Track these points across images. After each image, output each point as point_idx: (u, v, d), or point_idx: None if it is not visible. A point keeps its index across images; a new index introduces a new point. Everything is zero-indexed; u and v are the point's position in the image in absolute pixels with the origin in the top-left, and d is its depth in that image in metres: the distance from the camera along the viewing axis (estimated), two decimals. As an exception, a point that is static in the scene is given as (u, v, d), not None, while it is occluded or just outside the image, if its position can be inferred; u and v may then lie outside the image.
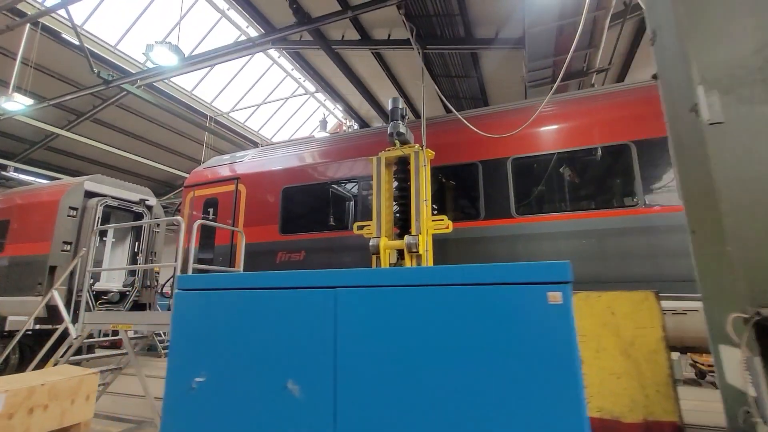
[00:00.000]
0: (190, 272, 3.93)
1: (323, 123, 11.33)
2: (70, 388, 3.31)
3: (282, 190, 6.43)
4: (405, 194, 4.72)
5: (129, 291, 7.41)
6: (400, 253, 4.50)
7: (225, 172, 7.07)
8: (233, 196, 6.73)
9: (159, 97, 11.47)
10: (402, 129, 4.72)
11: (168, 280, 7.16)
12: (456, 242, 5.12)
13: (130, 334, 4.53)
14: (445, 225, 4.43)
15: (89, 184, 7.27)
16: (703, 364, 8.14)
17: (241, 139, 14.64)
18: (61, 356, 4.30)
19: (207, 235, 6.83)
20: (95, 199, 7.15)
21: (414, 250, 4.17)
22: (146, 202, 8.07)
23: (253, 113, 14.09)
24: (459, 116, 5.38)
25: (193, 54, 9.16)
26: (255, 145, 14.99)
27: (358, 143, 6.25)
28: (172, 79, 11.40)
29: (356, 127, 13.12)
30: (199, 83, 12.25)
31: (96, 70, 8.31)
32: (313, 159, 6.41)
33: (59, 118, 11.90)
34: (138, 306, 7.60)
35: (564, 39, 5.85)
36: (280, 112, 14.78)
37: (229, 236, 6.58)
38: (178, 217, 4.11)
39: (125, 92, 10.92)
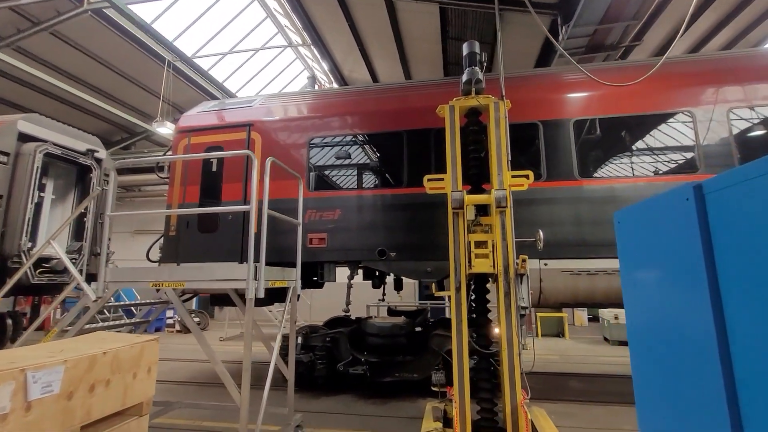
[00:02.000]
0: (264, 221, 3.24)
1: (312, 80, 10.38)
2: (132, 358, 2.54)
3: (309, 140, 5.69)
4: (479, 147, 4.40)
5: (75, 258, 6.12)
6: (479, 210, 4.21)
7: (233, 117, 6.07)
8: (245, 146, 5.81)
9: (110, 28, 9.55)
10: (481, 76, 4.35)
11: (155, 242, 6.07)
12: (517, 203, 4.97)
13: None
14: (524, 181, 4.22)
15: (24, 124, 5.77)
16: None
17: (200, 93, 12.93)
18: (70, 324, 3.34)
19: (211, 188, 5.85)
20: (32, 144, 5.72)
21: (503, 204, 3.90)
22: (95, 154, 6.68)
23: (220, 60, 12.44)
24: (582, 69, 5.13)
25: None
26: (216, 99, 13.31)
27: (404, 94, 5.73)
28: (128, 6, 9.52)
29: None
30: (161, 15, 10.42)
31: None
32: (350, 109, 5.74)
33: (-35, 38, 9.34)
34: (89, 277, 6.37)
35: (613, 7, 5.84)
36: (250, 63, 13.25)
37: (240, 192, 5.70)
38: (250, 152, 3.35)
39: (63, 15, 8.89)
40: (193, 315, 12.48)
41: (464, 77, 4.37)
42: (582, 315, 12.98)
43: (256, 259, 3.02)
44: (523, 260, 3.85)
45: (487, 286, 4.15)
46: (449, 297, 8.22)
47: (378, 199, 5.31)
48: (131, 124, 13.31)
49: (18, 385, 1.89)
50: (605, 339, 9.71)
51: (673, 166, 4.85)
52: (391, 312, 6.68)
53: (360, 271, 6.23)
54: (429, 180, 4.30)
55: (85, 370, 2.21)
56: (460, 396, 3.73)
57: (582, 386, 5.59)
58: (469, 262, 3.89)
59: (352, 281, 5.42)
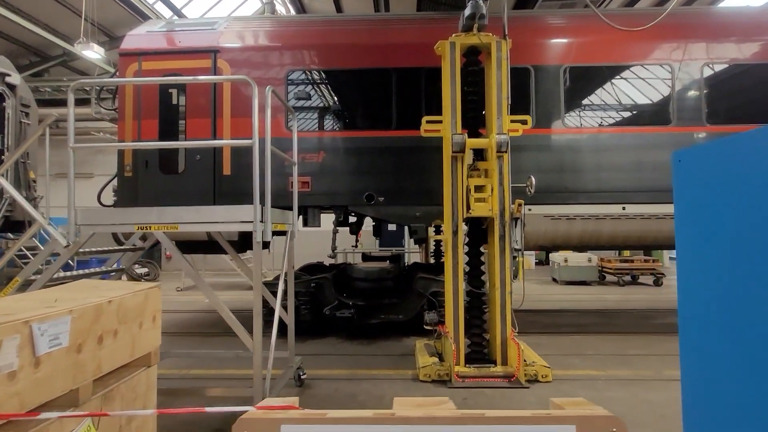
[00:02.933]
0: (268, 155, 2.92)
1: (270, 5, 9.25)
2: (137, 307, 2.28)
3: (288, 74, 5.15)
4: (477, 89, 4.27)
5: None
6: (477, 155, 4.19)
7: (194, 40, 5.26)
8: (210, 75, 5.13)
9: None
10: (485, 11, 4.10)
11: (107, 183, 5.39)
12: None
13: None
14: (520, 127, 4.23)
15: None
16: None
17: (132, 13, 11.05)
18: (35, 273, 2.89)
19: (171, 123, 5.18)
20: None
21: (504, 149, 3.90)
22: (6, 78, 5.56)
23: (157, -25, 10.55)
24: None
25: None
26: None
27: (399, 28, 5.29)
28: None
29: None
30: None
31: None
32: (336, 40, 5.21)
33: None
34: (11, 225, 5.62)
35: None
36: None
37: (209, 129, 5.12)
38: (247, 77, 2.92)
39: None
40: (138, 265, 11.64)
41: (467, 11, 4.10)
42: (530, 259, 14.15)
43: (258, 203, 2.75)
44: (519, 205, 3.96)
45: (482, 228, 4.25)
46: (421, 242, 8.38)
47: (365, 141, 5.07)
48: (44, 44, 11.15)
49: (24, 338, 1.61)
50: (554, 279, 10.75)
51: (651, 117, 5.12)
52: (366, 258, 6.73)
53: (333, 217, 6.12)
54: (427, 122, 4.15)
55: (92, 320, 1.95)
56: (455, 331, 3.93)
57: (545, 320, 6.19)
58: (467, 206, 3.93)
59: (337, 227, 5.28)
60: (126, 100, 5.16)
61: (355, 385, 3.69)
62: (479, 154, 4.20)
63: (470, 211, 3.90)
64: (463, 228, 4.01)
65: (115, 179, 5.22)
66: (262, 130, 2.84)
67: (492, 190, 3.91)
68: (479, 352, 4.05)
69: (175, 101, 5.20)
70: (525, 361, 3.76)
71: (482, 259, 4.23)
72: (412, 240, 15.05)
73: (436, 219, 5.08)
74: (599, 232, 5.04)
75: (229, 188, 5.03)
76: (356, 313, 5.07)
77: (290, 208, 3.62)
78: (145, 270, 12.20)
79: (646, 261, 10.17)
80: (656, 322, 6.21)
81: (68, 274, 3.31)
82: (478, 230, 4.19)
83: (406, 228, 15.26)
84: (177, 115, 5.20)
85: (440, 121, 4.14)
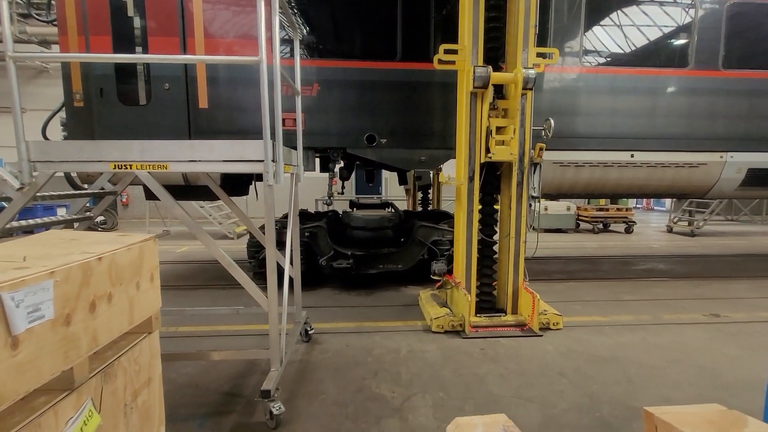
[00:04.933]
0: (277, 81, 2.36)
1: None
2: (132, 265, 1.84)
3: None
4: (500, 15, 3.76)
5: None
6: (497, 91, 3.79)
7: (150, -68, 4.20)
8: (175, -18, 4.20)
9: None
10: None
11: (53, 115, 4.53)
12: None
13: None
14: (542, 62, 3.83)
15: None
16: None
17: None
18: (-19, 222, 2.30)
19: (127, 40, 4.29)
20: None
21: (530, 86, 3.52)
22: None
23: None
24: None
25: None
26: None
27: None
28: None
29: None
30: None
31: None
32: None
33: None
34: None
35: None
36: None
37: (178, 47, 4.29)
38: None
39: None
40: (88, 213, 10.61)
41: None
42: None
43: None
44: (540, 149, 3.70)
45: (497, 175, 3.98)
46: (426, 189, 8.10)
47: (366, 74, 4.47)
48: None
49: (-9, 314, 1.17)
50: (531, 227, 10.99)
51: (667, 58, 4.86)
52: (353, 205, 6.38)
53: (317, 161, 5.65)
54: (445, 51, 3.64)
55: (80, 283, 1.50)
56: (467, 281, 3.79)
57: (536, 267, 6.28)
58: (487, 149, 3.61)
59: (334, 172, 4.82)
60: (67, 9, 4.16)
61: (366, 339, 3.52)
62: (497, 92, 3.81)
63: (490, 155, 3.58)
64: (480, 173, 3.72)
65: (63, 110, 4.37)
66: (269, 56, 2.29)
67: (514, 131, 3.59)
68: (488, 302, 3.98)
69: (131, 13, 4.27)
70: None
71: (495, 207, 4.01)
72: (386, 186, 14.80)
73: (442, 163, 4.75)
74: (605, 180, 4.95)
75: (207, 124, 4.36)
76: (354, 264, 4.81)
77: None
78: (101, 218, 11.18)
79: (619, 210, 10.57)
80: (638, 267, 6.48)
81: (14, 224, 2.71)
82: (493, 176, 3.93)
83: (383, 173, 14.93)
84: (133, 31, 4.31)
85: (456, 51, 3.66)
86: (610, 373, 2.92)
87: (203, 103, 4.38)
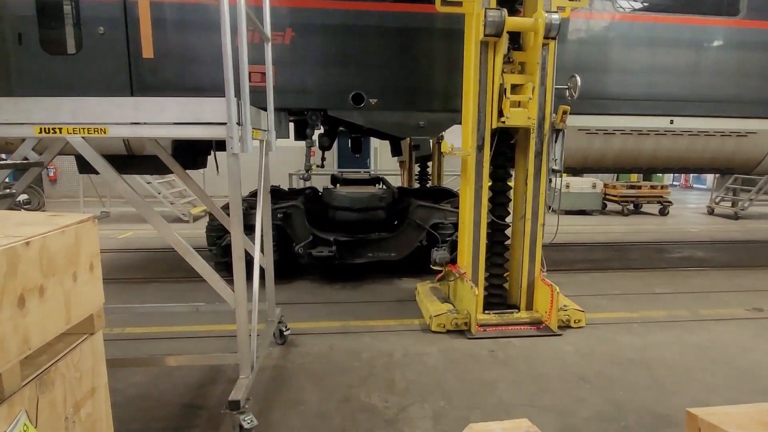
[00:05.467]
0: (243, 24, 2.29)
1: None
2: (68, 251, 1.82)
3: None
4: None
5: None
6: (513, 40, 3.74)
7: None
8: None
9: None
10: None
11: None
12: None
13: None
14: (568, 5, 3.80)
15: None
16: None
17: None
18: None
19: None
20: None
21: (553, 34, 3.49)
22: None
23: None
24: None
25: None
26: None
27: None
28: None
29: None
30: None
31: None
32: None
33: None
34: None
35: None
36: None
37: (111, -16, 4.12)
38: None
39: None
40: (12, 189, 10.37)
41: None
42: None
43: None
44: (564, 112, 3.70)
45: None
46: (403, 164, 8.06)
47: (352, 17, 4.37)
48: None
49: None
50: (550, 209, 11.11)
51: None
52: (336, 180, 6.36)
53: (292, 126, 5.59)
54: (451, -11, 3.57)
55: (5, 273, 1.48)
56: (474, 272, 3.84)
57: (555, 255, 6.40)
58: (499, 112, 3.60)
59: (313, 140, 4.76)
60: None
61: (354, 340, 3.57)
62: (513, 42, 3.78)
63: (503, 119, 3.58)
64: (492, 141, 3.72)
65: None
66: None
67: (533, 91, 3.58)
68: (499, 296, 4.05)
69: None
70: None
71: (508, 183, 4.04)
72: (376, 158, 14.67)
73: (445, 129, 4.73)
74: (639, 150, 5.00)
75: (154, 78, 4.24)
76: (338, 252, 4.82)
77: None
78: (24, 197, 10.95)
79: (653, 188, 10.74)
80: (673, 255, 6.65)
81: None
82: (506, 145, 3.94)
83: (372, 142, 14.78)
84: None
85: (464, -10, 3.60)
86: (639, 376, 3.03)
87: (148, 52, 4.25)
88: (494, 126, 3.64)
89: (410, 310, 4.24)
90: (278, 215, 4.79)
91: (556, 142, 3.78)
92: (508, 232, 4.08)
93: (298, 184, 10.32)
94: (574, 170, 5.39)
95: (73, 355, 1.89)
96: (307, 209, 5.06)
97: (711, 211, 11.02)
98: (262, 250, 3.03)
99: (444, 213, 5.05)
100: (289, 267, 5.23)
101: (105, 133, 2.21)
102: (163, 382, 2.89)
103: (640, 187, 10.65)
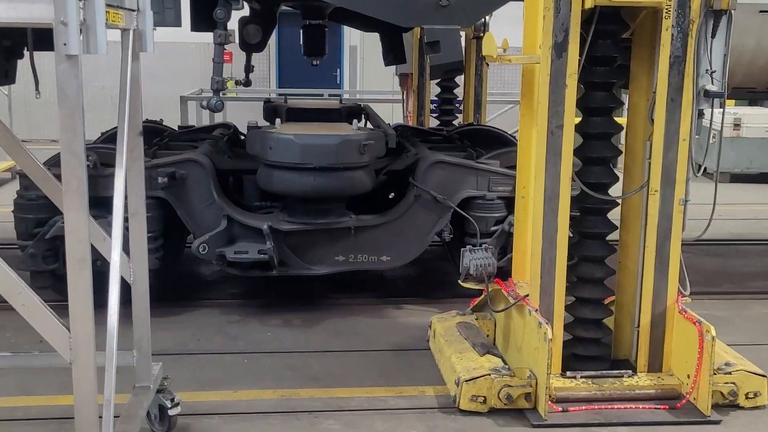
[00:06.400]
0: None
1: None
2: None
3: None
4: None
5: None
6: None
7: None
8: None
9: None
10: None
11: None
12: None
13: None
14: None
15: None
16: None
17: None
18: None
19: None
20: None
21: None
22: None
23: None
24: None
25: None
26: None
27: None
28: None
29: None
30: None
31: None
32: None
33: None
34: None
35: None
36: None
37: None
38: None
39: None
40: None
41: None
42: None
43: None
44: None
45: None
46: (407, 81, 7.96)
47: None
48: None
49: None
50: (703, 170, 11.35)
51: None
52: (275, 111, 6.43)
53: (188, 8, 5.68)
54: None
55: None
56: (546, 292, 3.85)
57: (708, 263, 6.49)
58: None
59: (228, 31, 4.75)
60: None
61: (307, 429, 3.63)
62: None
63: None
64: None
65: None
66: None
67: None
68: (593, 343, 4.07)
69: None
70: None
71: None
72: (355, 71, 14.74)
73: (489, 12, 4.83)
74: None
75: None
76: (277, 252, 4.88)
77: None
78: None
79: None
80: None
81: None
82: (610, 43, 3.87)
83: (348, 37, 14.88)
84: None
85: None
86: None
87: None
88: (590, 4, 3.54)
89: (418, 368, 4.35)
90: (161, 179, 4.86)
91: (714, 36, 3.72)
92: (613, 216, 4.02)
93: (201, 117, 10.65)
94: (754, 93, 5.42)
95: None
96: (218, 169, 5.17)
97: None
98: (126, 250, 3.08)
99: (486, 178, 5.06)
100: (183, 282, 5.47)
101: None
102: None
103: None
